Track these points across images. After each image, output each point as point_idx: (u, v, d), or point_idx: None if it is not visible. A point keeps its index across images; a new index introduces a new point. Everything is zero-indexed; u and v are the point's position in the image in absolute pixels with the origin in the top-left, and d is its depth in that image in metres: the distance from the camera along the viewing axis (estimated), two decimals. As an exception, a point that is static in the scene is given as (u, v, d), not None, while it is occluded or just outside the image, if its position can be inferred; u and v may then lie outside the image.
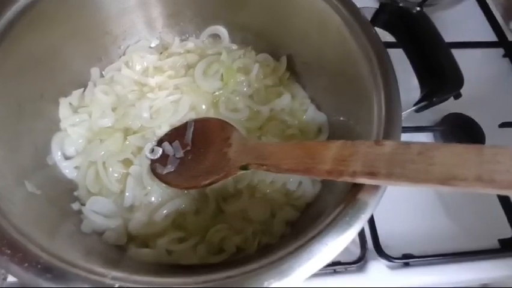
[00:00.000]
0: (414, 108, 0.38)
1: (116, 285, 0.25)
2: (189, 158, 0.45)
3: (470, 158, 0.24)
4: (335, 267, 0.49)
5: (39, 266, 0.25)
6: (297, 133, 0.51)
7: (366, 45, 0.39)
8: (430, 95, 0.38)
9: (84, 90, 0.50)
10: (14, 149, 0.36)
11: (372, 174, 0.28)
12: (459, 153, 0.25)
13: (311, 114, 0.53)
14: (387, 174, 0.28)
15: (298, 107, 0.54)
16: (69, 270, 0.25)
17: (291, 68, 0.56)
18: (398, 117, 0.34)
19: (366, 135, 0.36)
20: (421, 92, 0.40)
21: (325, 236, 0.28)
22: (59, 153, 0.45)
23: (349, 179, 0.30)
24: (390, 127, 0.33)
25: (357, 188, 0.31)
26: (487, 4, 0.79)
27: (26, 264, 0.25)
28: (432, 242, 0.54)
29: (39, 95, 0.43)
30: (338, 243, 0.28)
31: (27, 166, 0.38)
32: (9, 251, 0.25)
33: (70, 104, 0.48)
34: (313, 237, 0.28)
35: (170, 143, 0.46)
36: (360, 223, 0.29)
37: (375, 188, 0.31)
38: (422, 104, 0.38)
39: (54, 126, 0.46)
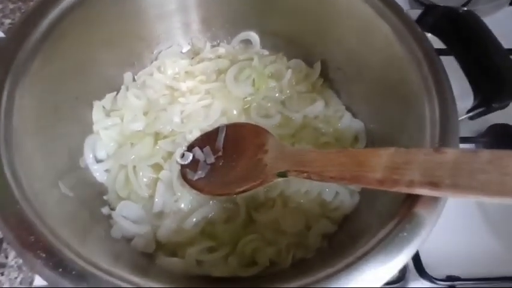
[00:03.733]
0: (468, 115, 0.35)
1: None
2: (220, 164, 0.43)
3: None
4: (373, 286, 0.45)
5: (74, 272, 0.24)
6: (332, 141, 0.49)
7: (414, 48, 0.37)
8: (487, 101, 0.35)
9: (117, 94, 0.50)
10: (50, 151, 0.36)
11: (433, 185, 0.25)
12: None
13: (347, 122, 0.50)
14: (452, 185, 0.25)
15: (333, 114, 0.52)
16: (104, 279, 0.24)
17: (324, 74, 0.54)
18: (455, 123, 0.31)
19: (416, 143, 0.33)
20: (474, 98, 0.37)
21: (380, 252, 0.25)
22: (91, 156, 0.44)
23: (405, 190, 0.27)
24: (447, 134, 0.31)
25: (412, 200, 0.28)
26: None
27: (61, 270, 0.23)
28: (479, 264, 0.49)
29: (74, 97, 0.43)
30: (395, 261, 0.25)
31: (62, 168, 0.38)
32: (44, 255, 0.24)
33: (103, 107, 0.48)
34: (365, 254, 0.25)
35: (201, 149, 0.45)
36: (420, 240, 0.26)
37: (434, 200, 0.28)
38: (479, 110, 0.35)
39: (87, 128, 0.45)
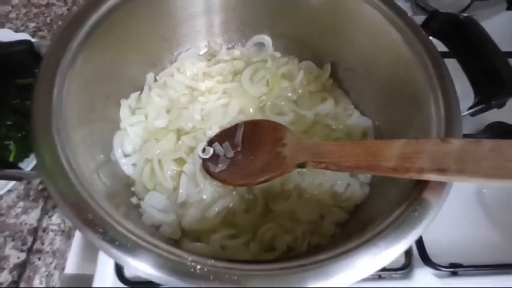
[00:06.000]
0: (470, 111, 0.39)
1: (198, 267, 0.26)
2: (240, 157, 0.47)
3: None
4: (380, 272, 0.49)
5: (128, 245, 0.27)
6: (342, 136, 0.52)
7: (420, 50, 0.40)
8: (486, 99, 0.38)
9: (140, 93, 0.53)
10: (89, 144, 0.39)
11: (441, 171, 0.29)
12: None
13: (355, 119, 0.54)
14: (458, 170, 0.28)
15: (342, 112, 0.55)
16: (153, 251, 0.27)
17: (333, 74, 0.58)
18: (458, 118, 0.35)
19: (423, 138, 0.36)
20: (475, 97, 0.40)
21: (393, 230, 0.29)
22: (120, 151, 0.47)
23: (415, 176, 0.30)
24: (452, 128, 0.34)
25: (420, 187, 0.31)
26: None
27: (117, 243, 0.27)
28: (480, 252, 0.53)
29: (105, 96, 0.46)
30: (407, 238, 0.28)
31: (98, 161, 0.41)
32: (102, 230, 0.27)
33: (129, 106, 0.51)
34: (380, 232, 0.29)
35: (221, 144, 0.48)
36: (429, 219, 0.29)
37: (441, 185, 0.31)
38: (479, 107, 0.38)
39: (116, 125, 0.49)
